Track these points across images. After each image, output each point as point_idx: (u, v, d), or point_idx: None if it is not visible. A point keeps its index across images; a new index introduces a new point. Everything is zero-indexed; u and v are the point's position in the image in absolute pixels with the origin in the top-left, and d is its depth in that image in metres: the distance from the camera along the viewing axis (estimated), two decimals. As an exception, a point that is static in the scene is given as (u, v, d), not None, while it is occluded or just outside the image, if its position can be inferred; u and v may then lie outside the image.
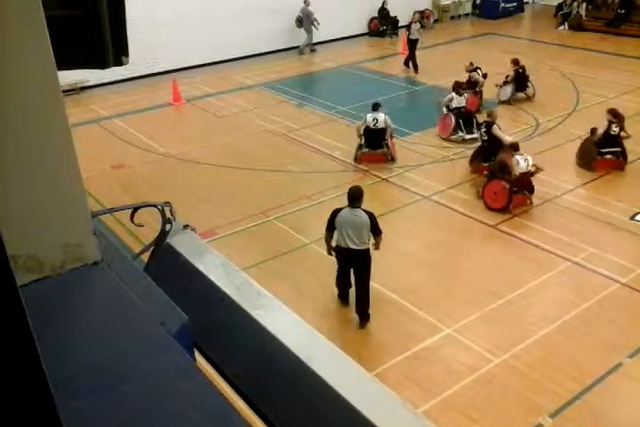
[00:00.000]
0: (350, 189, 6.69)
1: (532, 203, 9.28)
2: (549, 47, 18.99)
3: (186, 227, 2.43)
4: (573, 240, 8.38)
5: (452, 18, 22.92)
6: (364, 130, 10.68)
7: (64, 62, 1.58)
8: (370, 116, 10.59)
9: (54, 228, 1.54)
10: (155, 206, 2.40)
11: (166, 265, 2.28)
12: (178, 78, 15.36)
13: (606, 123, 10.14)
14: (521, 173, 8.98)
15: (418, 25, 16.44)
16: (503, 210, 9.05)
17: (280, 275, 7.78)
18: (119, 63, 1.94)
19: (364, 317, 6.85)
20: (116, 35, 1.86)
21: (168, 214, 2.41)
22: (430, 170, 10.75)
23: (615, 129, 10.13)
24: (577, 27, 20.78)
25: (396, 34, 20.43)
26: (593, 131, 10.38)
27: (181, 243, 2.31)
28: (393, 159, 10.92)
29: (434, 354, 6.43)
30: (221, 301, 1.97)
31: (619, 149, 10.26)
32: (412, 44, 16.31)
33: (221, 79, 16.51)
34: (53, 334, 1.38)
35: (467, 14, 23.29)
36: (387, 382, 1.79)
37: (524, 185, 9.14)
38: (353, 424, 1.51)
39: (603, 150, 10.26)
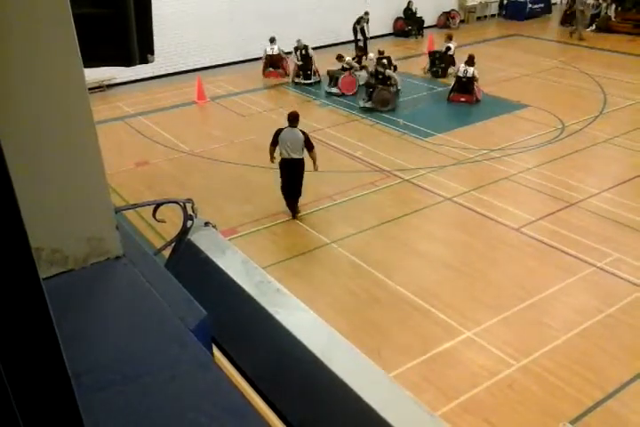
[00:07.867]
0: (289, 113, 8.90)
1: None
2: (576, 49, 18.74)
3: (207, 224, 2.45)
4: (598, 245, 8.25)
5: (479, 19, 22.75)
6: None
7: (90, 59, 1.60)
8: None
9: (78, 222, 1.57)
10: (177, 203, 2.43)
11: (187, 261, 2.30)
12: (202, 77, 15.47)
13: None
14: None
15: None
16: None
17: (300, 274, 7.79)
18: (145, 61, 1.96)
19: (295, 208, 9.20)
20: (142, 33, 1.88)
21: (190, 211, 2.43)
22: (453, 171, 10.68)
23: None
24: (605, 28, 20.48)
25: (422, 34, 20.38)
26: None
27: (202, 239, 2.33)
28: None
29: (453, 357, 6.38)
30: (240, 297, 1.98)
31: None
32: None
33: (245, 78, 16.60)
34: (75, 326, 1.40)
35: (493, 15, 23.10)
36: (405, 384, 1.78)
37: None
38: (368, 424, 1.51)
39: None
